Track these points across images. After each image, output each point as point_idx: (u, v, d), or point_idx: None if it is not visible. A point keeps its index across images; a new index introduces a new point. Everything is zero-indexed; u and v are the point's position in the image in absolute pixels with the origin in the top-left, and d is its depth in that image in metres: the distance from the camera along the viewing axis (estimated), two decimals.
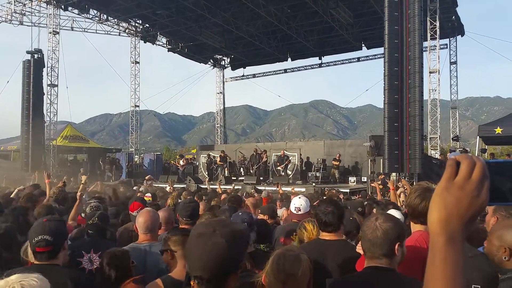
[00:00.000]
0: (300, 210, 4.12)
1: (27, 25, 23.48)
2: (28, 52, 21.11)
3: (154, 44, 27.68)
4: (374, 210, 6.98)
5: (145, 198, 5.64)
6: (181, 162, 21.24)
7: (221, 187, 12.88)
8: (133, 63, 28.01)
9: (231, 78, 33.14)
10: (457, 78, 24.80)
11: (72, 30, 25.17)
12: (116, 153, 27.81)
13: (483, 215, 5.05)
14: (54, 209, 4.11)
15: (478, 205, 0.73)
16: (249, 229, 2.19)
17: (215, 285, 1.28)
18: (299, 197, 4.36)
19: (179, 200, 6.74)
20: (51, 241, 2.18)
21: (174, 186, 13.97)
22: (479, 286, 1.34)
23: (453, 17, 22.22)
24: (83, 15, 23.55)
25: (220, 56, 32.00)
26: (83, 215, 4.33)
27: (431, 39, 17.90)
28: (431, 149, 18.62)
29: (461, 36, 24.47)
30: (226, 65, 32.57)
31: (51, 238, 2.18)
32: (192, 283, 1.32)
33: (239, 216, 2.96)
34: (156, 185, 16.75)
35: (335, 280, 2.18)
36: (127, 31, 26.76)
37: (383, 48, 13.59)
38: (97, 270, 2.49)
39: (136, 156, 27.53)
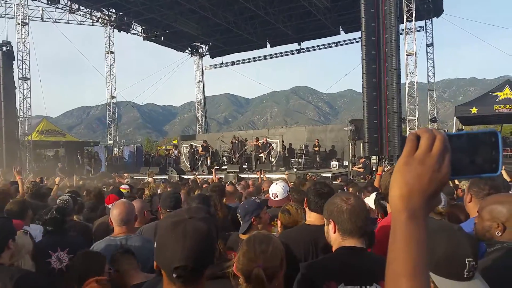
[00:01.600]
0: (277, 196, 4.06)
1: None
2: None
3: (129, 33, 27.02)
4: (350, 190, 7.01)
5: (121, 190, 5.48)
6: (176, 153, 21.01)
7: (204, 176, 12.77)
8: (107, 53, 27.31)
9: (210, 66, 32.76)
10: (434, 60, 25.12)
11: (43, 20, 24.31)
12: (94, 146, 27.25)
13: (451, 193, 5.10)
14: (28, 204, 3.91)
15: (440, 179, 0.70)
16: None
17: (198, 276, 1.22)
18: (276, 183, 4.30)
19: (158, 192, 6.61)
20: None
21: (156, 177, 13.77)
22: (472, 259, 1.31)
23: None
24: (52, 4, 22.70)
25: (198, 44, 31.50)
26: None
27: (407, 21, 17.95)
28: (410, 132, 18.87)
29: (437, 18, 24.71)
30: (204, 53, 32.11)
31: None
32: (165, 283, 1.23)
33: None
34: (137, 177, 16.51)
35: (309, 262, 2.13)
36: (100, 20, 26.02)
37: (360, 32, 13.58)
38: (67, 270, 2.31)
39: (115, 149, 27.06)
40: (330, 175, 14.09)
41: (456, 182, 6.06)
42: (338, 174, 14.85)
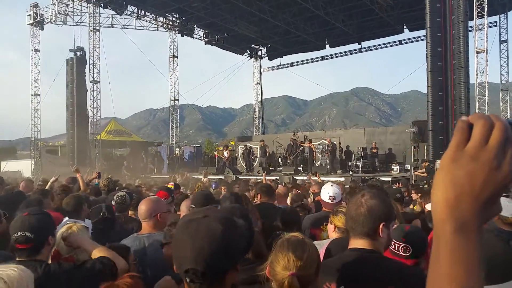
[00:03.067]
0: (335, 198, 3.86)
1: (70, 25, 24.49)
2: (71, 51, 22.05)
3: (192, 37, 28.00)
4: (414, 196, 6.58)
5: (169, 186, 5.63)
6: (225, 154, 21.38)
7: (258, 177, 12.79)
8: (171, 57, 28.50)
9: (268, 68, 32.94)
10: (508, 58, 23.11)
11: (112, 27, 25.97)
12: (158, 146, 28.53)
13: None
14: (83, 199, 4.10)
15: (499, 180, 0.53)
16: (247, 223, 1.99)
17: (211, 280, 1.11)
18: (331, 185, 4.10)
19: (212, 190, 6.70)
20: (30, 238, 2.02)
21: (211, 177, 14.06)
22: None
23: None
24: (120, 10, 24.16)
25: (257, 46, 31.81)
26: None
27: (478, 17, 16.66)
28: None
29: None
30: (263, 55, 32.36)
31: (31, 235, 2.02)
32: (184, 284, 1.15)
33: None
34: (196, 176, 16.97)
35: None
36: (164, 25, 27.25)
37: (425, 28, 12.83)
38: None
39: (176, 149, 28.11)
40: (390, 179, 13.46)
41: None
42: (398, 178, 14.15)
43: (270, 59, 32.09)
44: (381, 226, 1.73)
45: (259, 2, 21.81)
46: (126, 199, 4.41)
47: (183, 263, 1.10)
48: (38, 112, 25.31)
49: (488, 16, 17.24)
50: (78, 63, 21.88)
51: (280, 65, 32.05)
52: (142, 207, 2.82)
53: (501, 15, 22.78)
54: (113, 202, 4.59)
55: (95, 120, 22.94)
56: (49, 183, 6.38)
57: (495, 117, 0.56)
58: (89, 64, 22.44)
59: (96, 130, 23.00)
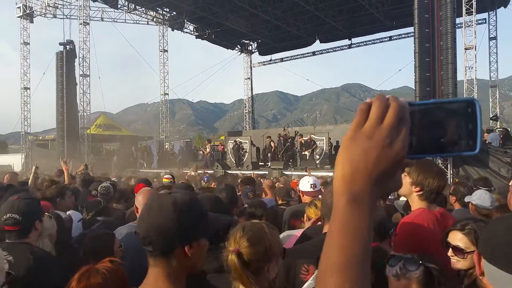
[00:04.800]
0: (315, 186, 3.96)
1: (60, 18, 24.19)
2: (60, 44, 21.83)
3: (182, 32, 27.85)
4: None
5: (164, 179, 5.69)
6: (207, 149, 21.43)
7: (247, 172, 12.87)
8: (161, 51, 28.35)
9: (259, 63, 32.92)
10: (497, 55, 23.41)
11: (102, 20, 25.70)
12: (148, 141, 28.44)
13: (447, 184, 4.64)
14: (66, 189, 4.12)
15: (392, 156, 0.58)
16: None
17: (160, 252, 1.21)
18: (309, 176, 4.25)
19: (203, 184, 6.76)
20: (19, 220, 2.11)
21: (200, 171, 14.10)
22: None
23: None
24: (112, 4, 23.94)
25: (247, 41, 31.75)
26: None
27: (467, 13, 16.85)
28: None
29: (504, 8, 22.85)
30: (253, 50, 32.32)
31: (19, 217, 2.11)
32: None
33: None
34: (185, 171, 16.99)
35: (292, 248, 2.12)
36: (155, 19, 27.06)
37: (413, 24, 12.95)
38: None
39: (166, 143, 28.04)
40: None
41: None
42: None
43: (261, 54, 32.07)
44: None
45: None
46: (109, 190, 4.45)
47: (138, 227, 1.26)
48: (28, 106, 25.08)
49: (477, 13, 17.44)
50: (67, 56, 21.67)
51: (270, 60, 32.08)
52: (140, 198, 2.86)
53: (490, 12, 23.01)
54: (93, 193, 4.68)
55: (85, 114, 22.78)
56: (31, 175, 6.39)
57: (393, 98, 0.60)
58: (79, 57, 22.25)
59: (86, 124, 22.84)
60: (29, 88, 25.04)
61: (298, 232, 2.66)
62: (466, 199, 3.55)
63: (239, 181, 5.74)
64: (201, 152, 22.19)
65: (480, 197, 3.41)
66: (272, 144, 19.10)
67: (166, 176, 6.43)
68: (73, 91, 21.98)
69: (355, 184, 0.58)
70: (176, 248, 1.21)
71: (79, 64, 22.30)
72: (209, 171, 16.14)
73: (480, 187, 4.30)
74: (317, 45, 29.38)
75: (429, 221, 2.14)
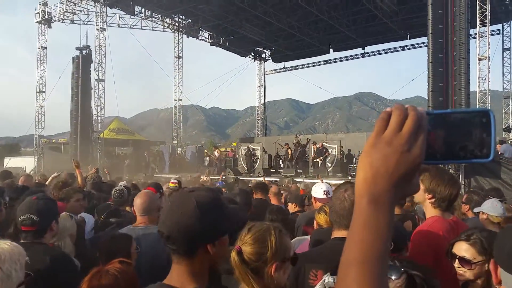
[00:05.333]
0: (329, 193, 3.97)
1: (77, 23, 24.72)
2: (77, 49, 22.28)
3: (197, 39, 28.18)
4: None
5: (171, 184, 5.75)
6: (216, 153, 21.54)
7: (257, 178, 12.92)
8: (176, 58, 28.72)
9: (272, 70, 33.07)
10: (511, 66, 23.12)
11: (119, 26, 26.18)
12: (160, 146, 28.72)
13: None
14: (76, 190, 4.21)
15: (410, 161, 0.62)
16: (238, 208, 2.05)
17: (184, 251, 1.23)
18: (322, 182, 4.26)
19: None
20: (36, 221, 2.12)
21: (213, 177, 14.19)
22: None
23: None
24: (128, 10, 24.38)
25: (261, 49, 31.96)
26: None
27: (481, 24, 16.75)
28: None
29: None
30: (267, 58, 32.50)
31: (36, 218, 2.12)
32: None
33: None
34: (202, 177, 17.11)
35: (302, 252, 2.14)
36: (170, 26, 27.44)
37: (427, 34, 12.92)
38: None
39: (178, 149, 28.26)
40: None
41: None
42: None
43: (275, 61, 32.24)
44: None
45: (264, 5, 21.96)
46: (123, 193, 4.54)
47: (162, 226, 1.26)
48: (42, 109, 25.52)
49: (491, 24, 17.34)
50: (84, 61, 22.11)
51: (284, 68, 32.20)
52: (138, 201, 2.88)
53: (504, 24, 22.83)
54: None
55: (99, 118, 23.14)
56: (49, 179, 6.51)
57: (411, 108, 0.64)
58: (95, 62, 22.68)
59: (99, 129, 23.19)
60: (44, 92, 25.54)
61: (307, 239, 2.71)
62: (476, 210, 3.55)
63: (250, 186, 5.79)
64: (207, 158, 22.30)
65: (492, 205, 3.41)
66: (290, 151, 19.10)
67: (172, 180, 6.48)
68: (88, 95, 22.38)
69: (377, 186, 0.63)
70: (199, 247, 1.23)
71: (95, 69, 22.74)
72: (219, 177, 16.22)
73: (492, 197, 4.28)
74: (330, 54, 29.46)
75: (444, 229, 2.16)
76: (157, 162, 23.95)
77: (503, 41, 23.02)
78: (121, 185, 4.97)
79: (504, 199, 4.78)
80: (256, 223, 1.64)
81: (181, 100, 29.43)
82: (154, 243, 2.52)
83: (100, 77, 22.89)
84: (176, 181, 6.31)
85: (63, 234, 2.48)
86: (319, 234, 2.57)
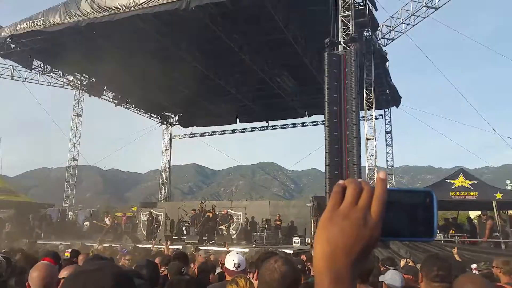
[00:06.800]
0: (239, 266, 3.91)
1: None
2: None
3: (100, 98, 27.19)
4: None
5: (66, 254, 5.22)
6: (107, 221, 20.12)
7: (159, 246, 12.28)
8: (75, 115, 27.23)
9: (179, 135, 33.08)
10: (392, 146, 26.63)
11: (12, 79, 24.25)
12: (48, 208, 25.89)
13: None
14: None
15: (368, 235, 0.62)
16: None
17: None
18: (237, 253, 4.20)
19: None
20: None
21: (107, 245, 13.11)
22: None
23: (387, 90, 24.34)
24: (26, 64, 22.83)
25: (169, 114, 32.05)
26: None
27: (367, 109, 19.31)
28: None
29: (396, 108, 26.60)
30: (174, 123, 32.59)
31: None
32: None
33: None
34: (89, 244, 15.63)
35: None
36: (71, 83, 26.18)
37: (324, 114, 14.38)
38: None
39: (69, 213, 25.77)
40: (291, 251, 13.90)
41: None
42: (300, 250, 14.67)
43: (182, 126, 32.41)
44: None
45: (173, 72, 22.41)
46: (1, 264, 3.97)
47: None
48: None
49: (376, 109, 20.08)
50: None
51: (191, 133, 32.50)
52: (35, 274, 2.54)
53: (385, 110, 26.56)
54: None
55: None
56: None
57: (365, 183, 0.65)
58: None
59: None
60: None
61: None
62: (380, 278, 3.85)
63: (171, 256, 5.44)
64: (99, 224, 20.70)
65: (392, 278, 3.74)
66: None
67: (68, 250, 5.88)
68: None
69: (337, 262, 0.61)
70: None
71: None
72: (115, 245, 15.03)
73: (388, 267, 4.69)
74: (237, 124, 30.75)
75: None
76: (43, 227, 21.40)
77: (385, 124, 26.63)
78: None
79: (397, 266, 5.26)
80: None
81: (77, 159, 27.51)
82: None
83: None
84: (69, 250, 5.73)
85: None
86: None
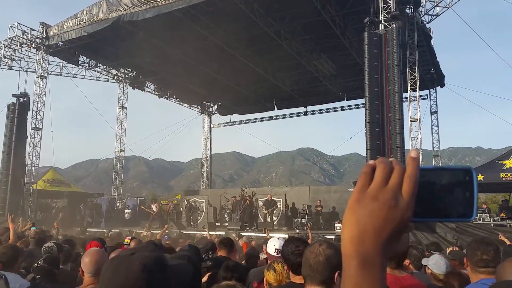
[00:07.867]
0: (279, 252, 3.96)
1: (16, 70, 23.71)
2: (14, 96, 21.19)
3: (143, 91, 28.06)
4: None
5: (126, 240, 5.46)
6: (154, 208, 20.75)
7: (203, 233, 12.57)
8: (120, 108, 28.22)
9: (218, 124, 33.51)
10: (438, 128, 25.45)
11: (61, 75, 25.45)
12: (98, 198, 27.21)
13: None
14: (20, 250, 3.88)
15: (398, 217, 0.58)
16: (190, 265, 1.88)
17: None
18: (278, 238, 4.21)
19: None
20: None
21: (154, 231, 13.57)
22: None
23: (432, 69, 23.24)
24: (72, 60, 23.90)
25: (208, 103, 32.51)
26: None
27: (411, 89, 18.53)
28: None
29: (441, 87, 25.40)
30: (213, 112, 33.03)
31: None
32: None
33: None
34: (138, 230, 16.28)
35: None
36: (115, 77, 27.16)
37: (364, 97, 13.99)
38: None
39: (118, 201, 26.95)
40: (333, 237, 13.78)
41: None
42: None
43: (221, 115, 32.80)
44: (336, 275, 1.85)
45: (212, 62, 22.66)
46: (53, 250, 4.19)
47: None
48: None
49: (420, 90, 19.24)
50: (20, 109, 20.97)
51: (230, 122, 32.80)
52: (87, 259, 2.68)
53: (431, 90, 25.40)
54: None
55: (33, 168, 21.68)
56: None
57: (396, 162, 0.61)
58: (32, 110, 21.63)
59: (32, 179, 21.64)
60: None
61: None
62: (423, 261, 3.71)
63: (215, 241, 5.58)
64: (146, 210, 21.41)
65: (436, 263, 3.59)
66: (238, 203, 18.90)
67: (128, 237, 6.15)
68: (22, 144, 21.03)
69: (365, 245, 0.59)
70: None
71: (32, 117, 21.65)
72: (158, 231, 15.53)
73: (432, 252, 4.51)
74: (275, 110, 30.63)
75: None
76: (94, 216, 22.54)
77: (430, 105, 25.48)
78: (51, 241, 4.60)
79: (443, 251, 5.06)
80: (221, 284, 1.63)
81: (123, 151, 28.61)
82: None
83: (37, 126, 21.76)
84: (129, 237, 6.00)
85: None
86: None
